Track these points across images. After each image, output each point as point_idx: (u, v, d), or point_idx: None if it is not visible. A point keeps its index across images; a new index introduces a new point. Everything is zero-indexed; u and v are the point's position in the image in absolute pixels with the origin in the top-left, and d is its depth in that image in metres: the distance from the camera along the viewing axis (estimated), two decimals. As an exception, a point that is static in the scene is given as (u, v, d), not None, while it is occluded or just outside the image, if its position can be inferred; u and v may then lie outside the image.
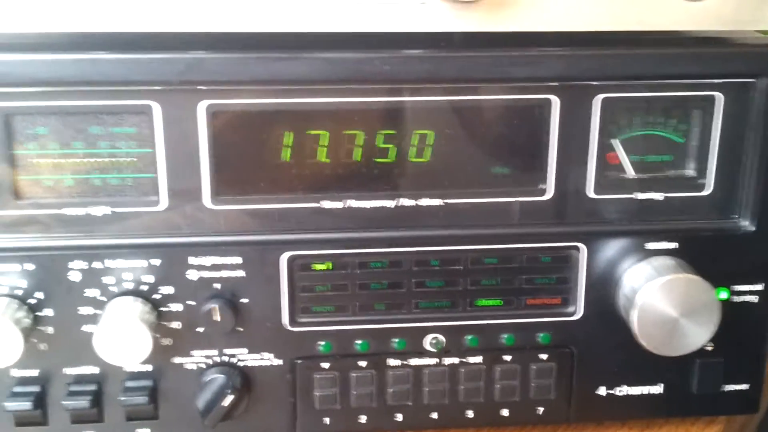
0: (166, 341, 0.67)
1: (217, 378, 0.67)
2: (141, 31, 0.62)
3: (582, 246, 0.69)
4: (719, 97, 0.68)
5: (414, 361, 0.71)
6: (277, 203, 0.66)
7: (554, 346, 0.71)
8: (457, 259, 0.69)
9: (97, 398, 0.68)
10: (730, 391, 0.74)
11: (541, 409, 0.73)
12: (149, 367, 0.68)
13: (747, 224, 0.70)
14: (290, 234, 0.67)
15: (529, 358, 0.71)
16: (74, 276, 0.65)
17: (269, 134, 0.65)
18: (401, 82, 0.65)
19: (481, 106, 0.67)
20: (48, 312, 0.66)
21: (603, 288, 0.70)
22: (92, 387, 0.67)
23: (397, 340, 0.70)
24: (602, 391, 0.73)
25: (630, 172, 0.69)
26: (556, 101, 0.66)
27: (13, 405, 0.67)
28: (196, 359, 0.68)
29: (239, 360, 0.69)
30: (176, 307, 0.67)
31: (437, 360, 0.71)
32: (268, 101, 0.64)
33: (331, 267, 0.68)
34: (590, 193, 0.68)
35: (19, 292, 0.65)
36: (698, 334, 0.67)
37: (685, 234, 0.70)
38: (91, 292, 0.66)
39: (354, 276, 0.68)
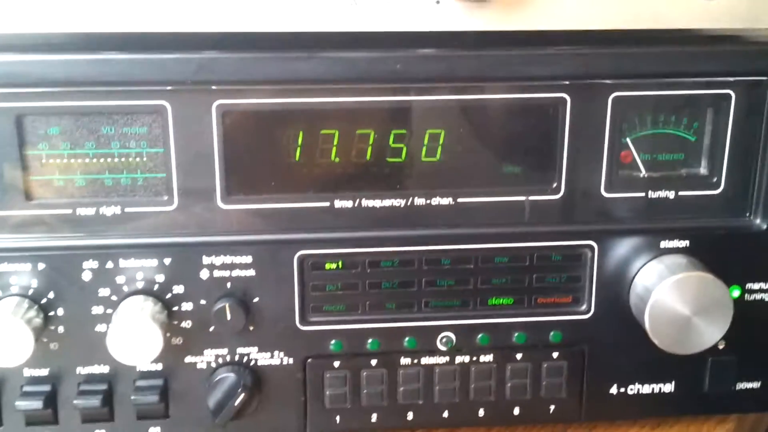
0: (178, 340, 0.67)
1: (228, 377, 0.67)
2: (153, 31, 0.62)
3: (594, 244, 0.69)
4: (732, 96, 0.67)
5: (425, 360, 0.71)
6: (289, 203, 0.66)
7: (566, 345, 0.71)
8: (468, 258, 0.69)
9: (108, 397, 0.68)
10: (742, 389, 0.74)
11: (552, 408, 0.73)
12: (160, 366, 0.68)
13: (759, 222, 0.70)
14: (302, 233, 0.67)
15: (540, 356, 0.71)
16: (86, 276, 0.65)
17: (281, 134, 0.65)
18: (413, 82, 0.65)
19: (493, 105, 0.66)
20: (59, 311, 0.66)
21: (614, 286, 0.70)
22: (103, 386, 0.68)
23: (408, 338, 0.70)
24: (614, 389, 0.73)
25: (642, 170, 0.69)
26: (568, 100, 0.66)
27: (23, 404, 0.67)
28: (207, 358, 0.68)
29: (250, 359, 0.69)
30: (187, 306, 0.67)
31: (448, 359, 0.71)
32: (280, 101, 0.64)
33: (342, 266, 0.68)
34: (602, 191, 0.68)
35: (31, 292, 0.65)
36: (711, 333, 0.67)
37: (697, 232, 0.69)
38: (103, 292, 0.66)
39: (365, 275, 0.68)
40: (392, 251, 0.68)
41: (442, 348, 0.70)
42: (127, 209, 0.65)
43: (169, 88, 0.63)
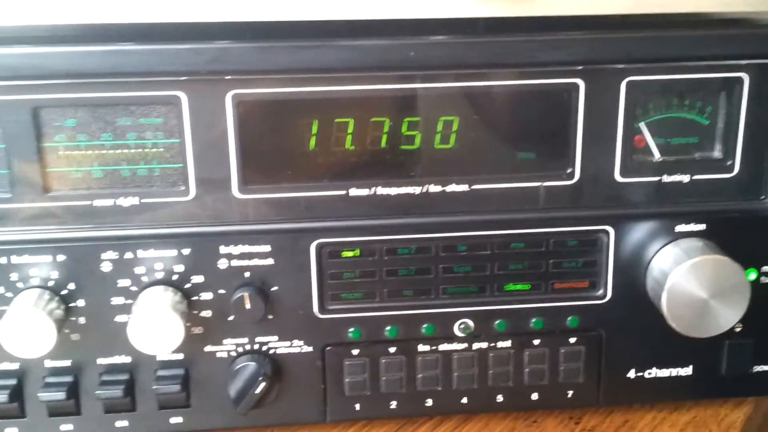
0: (198, 330, 0.68)
1: (249, 365, 0.68)
2: (167, 21, 0.62)
3: (610, 229, 0.69)
4: (745, 78, 0.67)
5: (443, 347, 0.71)
6: (305, 191, 0.67)
7: (583, 330, 0.71)
8: (485, 244, 0.69)
9: (130, 387, 0.68)
10: (760, 372, 0.74)
11: (570, 393, 0.73)
12: (181, 356, 0.68)
13: (775, 204, 0.70)
14: (318, 222, 0.67)
15: (557, 341, 0.72)
16: (105, 267, 0.66)
17: (296, 123, 0.65)
18: (427, 69, 0.65)
19: (507, 91, 0.66)
20: (80, 303, 0.66)
21: (631, 271, 0.70)
22: (125, 376, 0.68)
23: (425, 325, 0.70)
24: (631, 373, 0.73)
25: (656, 154, 0.69)
26: (582, 85, 0.66)
27: (46, 395, 0.67)
28: (227, 347, 0.69)
29: (270, 347, 0.69)
30: (207, 296, 0.67)
31: (466, 345, 0.71)
32: (294, 90, 0.64)
33: (359, 254, 0.68)
34: (617, 176, 0.68)
35: (51, 284, 0.66)
36: (728, 315, 0.67)
37: (712, 215, 0.69)
38: (123, 282, 0.66)
39: (382, 263, 0.69)
40: (409, 239, 0.68)
41: (460, 334, 0.71)
42: (144, 200, 0.65)
43: (183, 78, 0.63)
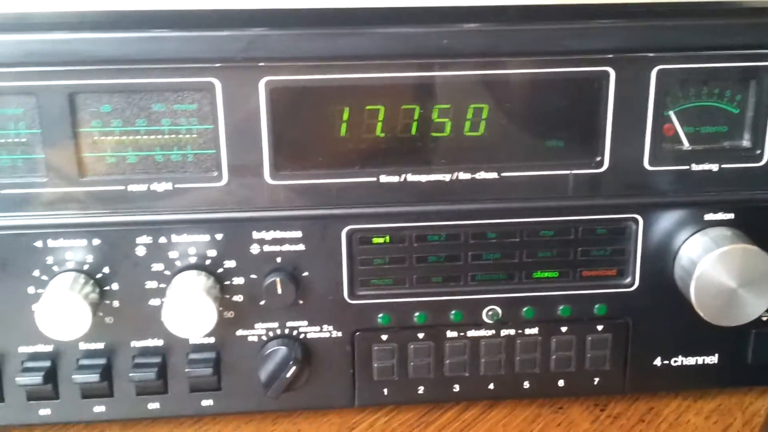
0: (229, 314, 0.69)
1: (280, 350, 0.68)
2: (202, 8, 0.63)
3: (638, 217, 0.70)
4: (775, 67, 0.67)
5: (471, 333, 0.72)
6: (336, 178, 0.67)
7: (610, 318, 0.72)
8: (514, 231, 0.70)
9: (162, 370, 0.69)
10: (785, 361, 0.74)
11: (596, 380, 0.73)
12: (213, 340, 0.69)
13: (803, 194, 0.70)
14: (349, 208, 0.68)
15: (585, 329, 0.72)
16: (139, 251, 0.67)
17: (328, 110, 0.66)
18: (458, 56, 0.65)
19: (537, 79, 0.66)
20: (114, 286, 0.67)
21: (659, 259, 0.71)
22: (157, 359, 0.69)
23: (454, 312, 0.71)
24: (657, 361, 0.74)
25: (685, 143, 0.69)
26: (612, 73, 0.66)
27: (80, 377, 0.68)
28: (258, 331, 0.70)
29: (300, 332, 0.70)
30: (239, 280, 0.68)
31: (494, 331, 0.72)
32: (327, 77, 0.64)
33: (389, 240, 0.69)
34: (646, 164, 0.68)
35: (86, 267, 0.66)
36: (756, 305, 0.67)
37: (741, 205, 0.70)
38: (156, 267, 0.67)
39: (412, 249, 0.69)
40: (439, 225, 0.69)
41: (488, 321, 0.71)
42: (177, 185, 0.66)
43: (218, 65, 0.63)
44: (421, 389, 0.73)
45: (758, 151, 0.69)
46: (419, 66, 0.65)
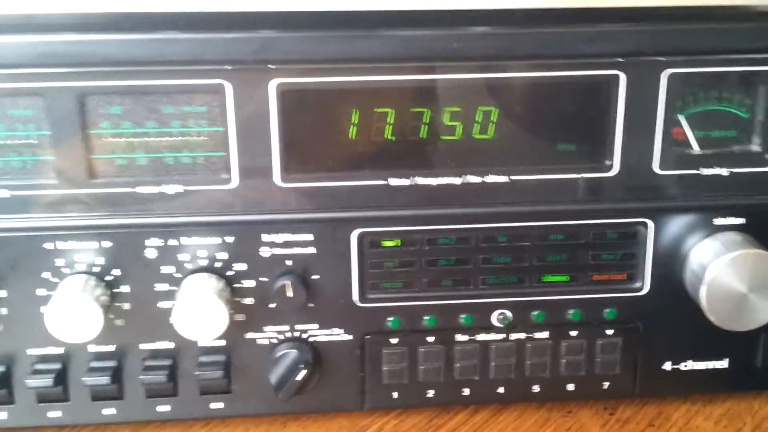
0: (239, 317, 0.69)
1: (290, 353, 0.68)
2: (213, 10, 0.63)
3: (648, 222, 0.70)
4: (786, 72, 0.67)
5: (481, 337, 0.72)
6: (346, 181, 0.67)
7: (620, 322, 0.72)
8: (524, 235, 0.70)
9: (173, 373, 0.69)
10: (795, 365, 0.74)
11: (606, 384, 0.73)
12: (223, 343, 0.69)
13: (814, 199, 0.70)
14: (360, 211, 0.68)
15: (595, 333, 0.72)
16: (150, 253, 0.67)
17: (337, 112, 0.66)
18: (468, 59, 0.65)
19: (547, 82, 0.66)
20: (124, 288, 0.67)
21: (669, 263, 0.71)
22: (168, 362, 0.69)
23: (464, 315, 0.71)
24: (667, 365, 0.74)
25: (695, 147, 0.69)
26: (623, 77, 0.66)
27: (91, 380, 0.68)
28: (268, 334, 0.70)
29: (310, 335, 0.70)
30: (249, 283, 0.68)
31: (504, 335, 0.72)
32: (337, 79, 0.64)
33: (399, 244, 0.69)
34: (656, 168, 0.68)
35: (97, 270, 0.66)
36: (766, 309, 0.67)
37: (752, 209, 0.70)
38: (167, 269, 0.67)
39: (422, 252, 0.69)
40: (449, 229, 0.69)
41: (498, 325, 0.71)
42: (187, 188, 0.66)
43: (228, 67, 0.63)
44: (430, 393, 0.73)
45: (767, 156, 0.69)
46: (429, 69, 0.65)
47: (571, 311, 0.71)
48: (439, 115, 0.66)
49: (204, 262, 0.67)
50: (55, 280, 0.66)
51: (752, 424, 0.74)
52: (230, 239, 0.67)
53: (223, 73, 0.63)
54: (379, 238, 0.68)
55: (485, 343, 0.72)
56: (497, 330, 0.71)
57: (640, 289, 0.71)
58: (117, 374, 0.69)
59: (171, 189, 0.66)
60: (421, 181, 0.67)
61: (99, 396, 0.69)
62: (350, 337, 0.70)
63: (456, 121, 0.67)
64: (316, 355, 0.70)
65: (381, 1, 0.63)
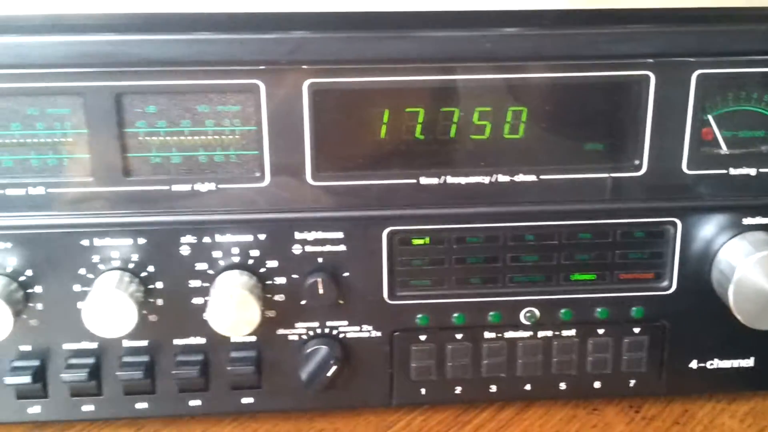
0: (271, 313, 0.69)
1: (321, 349, 0.69)
2: (248, 11, 0.63)
3: (676, 221, 0.70)
4: (814, 72, 0.67)
5: (509, 334, 0.72)
6: (377, 179, 0.68)
7: (647, 320, 0.72)
8: (552, 234, 0.70)
9: (205, 368, 0.70)
10: (821, 364, 0.74)
11: (632, 382, 0.74)
12: (254, 338, 0.70)
13: (842, 199, 0.70)
14: (390, 210, 0.68)
15: (622, 331, 0.72)
16: (184, 250, 0.68)
17: (368, 112, 0.66)
18: (501, 60, 0.65)
19: (577, 82, 0.67)
20: (158, 285, 0.68)
21: (697, 263, 0.71)
22: (200, 357, 0.70)
23: (492, 313, 0.71)
24: (693, 364, 0.74)
25: (723, 147, 0.69)
26: (652, 77, 0.66)
27: (124, 374, 0.69)
28: (298, 331, 0.70)
29: (340, 332, 0.71)
30: (281, 280, 0.69)
31: (531, 333, 0.72)
32: (368, 79, 0.65)
33: (429, 242, 0.69)
34: (684, 168, 0.69)
35: (132, 266, 0.67)
36: (794, 309, 0.68)
37: (780, 209, 0.70)
38: (200, 266, 0.68)
39: (451, 251, 0.70)
40: (478, 227, 0.69)
41: (526, 323, 0.72)
42: (220, 186, 0.67)
43: (262, 67, 0.64)
44: (458, 389, 0.73)
45: (796, 156, 0.69)
46: (459, 69, 0.66)
47: (598, 309, 0.72)
48: (468, 115, 0.67)
49: (236, 259, 0.68)
50: (91, 276, 0.67)
51: (777, 422, 0.75)
52: (262, 237, 0.68)
53: (258, 73, 0.64)
54: (409, 237, 0.69)
55: (513, 341, 0.72)
56: (525, 328, 0.72)
57: (667, 288, 0.72)
58: (150, 369, 0.70)
59: (204, 187, 0.67)
60: (450, 180, 0.68)
61: (132, 390, 0.70)
62: (379, 334, 0.71)
63: (485, 121, 0.67)
64: (345, 351, 0.71)
65: (412, 3, 0.64)
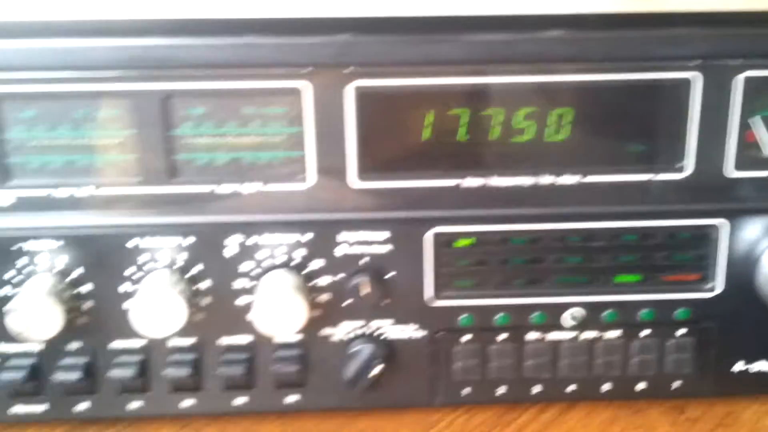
0: (316, 313, 0.70)
1: (365, 348, 0.70)
2: (293, 16, 0.64)
3: (721, 223, 0.70)
4: None
5: (552, 335, 0.72)
6: (421, 181, 0.68)
7: (692, 322, 0.72)
8: (596, 235, 0.70)
9: (250, 366, 0.71)
10: None
11: (676, 383, 0.74)
12: (299, 338, 0.71)
13: None
14: (434, 211, 0.68)
15: (666, 333, 0.72)
16: (229, 250, 0.68)
17: (412, 114, 0.67)
18: (545, 62, 0.66)
19: (622, 85, 0.67)
20: (204, 284, 0.69)
21: (742, 265, 0.71)
22: (245, 355, 0.71)
23: (536, 314, 0.71)
24: (738, 366, 0.74)
25: (766, 150, 0.69)
26: (698, 79, 0.66)
27: (171, 372, 0.70)
28: (343, 330, 0.71)
29: (383, 332, 0.71)
30: (325, 280, 0.69)
31: (575, 334, 0.72)
32: (412, 82, 0.65)
33: (473, 243, 0.70)
34: (729, 170, 0.68)
35: (179, 266, 0.68)
36: (839, 312, 0.67)
37: (826, 212, 0.69)
38: (246, 266, 0.69)
39: (495, 252, 0.70)
40: (521, 229, 0.70)
41: (570, 324, 0.72)
42: (265, 187, 0.67)
43: (309, 70, 0.65)
44: (500, 390, 0.73)
45: (840, 159, 0.69)
46: (503, 71, 0.66)
47: (642, 311, 0.72)
48: (512, 117, 0.67)
49: (282, 259, 0.69)
50: (139, 275, 0.68)
51: (822, 425, 0.74)
52: (307, 237, 0.68)
53: (303, 76, 0.65)
54: (453, 238, 0.69)
55: (556, 342, 0.72)
56: (569, 329, 0.72)
57: (712, 290, 0.71)
58: (196, 367, 0.71)
59: (249, 188, 0.67)
60: (494, 181, 0.68)
61: (178, 388, 0.71)
62: (423, 334, 0.71)
63: (529, 123, 0.67)
64: (389, 351, 0.71)
65: (457, 7, 0.64)
